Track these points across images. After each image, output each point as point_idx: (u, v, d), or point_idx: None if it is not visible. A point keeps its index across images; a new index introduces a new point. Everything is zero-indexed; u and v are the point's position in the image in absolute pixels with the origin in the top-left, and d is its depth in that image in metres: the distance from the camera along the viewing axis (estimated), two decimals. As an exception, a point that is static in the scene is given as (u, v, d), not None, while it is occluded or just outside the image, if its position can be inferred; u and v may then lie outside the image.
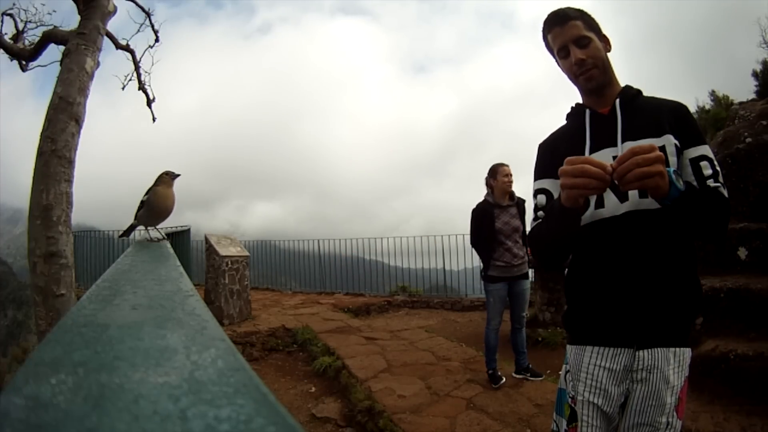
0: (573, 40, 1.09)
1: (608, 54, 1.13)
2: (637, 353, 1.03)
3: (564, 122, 1.24)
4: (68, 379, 0.23)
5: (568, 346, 1.16)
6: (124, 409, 0.20)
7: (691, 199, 0.91)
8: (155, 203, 1.34)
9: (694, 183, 1.02)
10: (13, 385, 0.22)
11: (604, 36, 1.13)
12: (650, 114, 1.08)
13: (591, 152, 1.09)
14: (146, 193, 1.39)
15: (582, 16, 1.11)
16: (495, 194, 3.42)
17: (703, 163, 1.03)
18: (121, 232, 1.59)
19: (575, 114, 1.18)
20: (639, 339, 1.03)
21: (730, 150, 3.18)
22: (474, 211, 3.50)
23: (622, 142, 1.06)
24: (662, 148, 1.02)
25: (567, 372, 1.14)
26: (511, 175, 3.37)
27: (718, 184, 1.02)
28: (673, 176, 0.86)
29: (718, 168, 1.04)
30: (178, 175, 1.38)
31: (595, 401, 1.05)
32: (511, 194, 3.44)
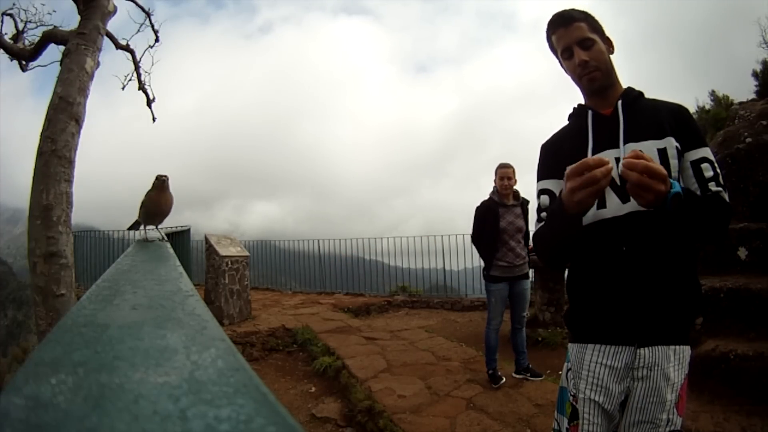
0: (577, 42, 1.10)
1: (611, 56, 1.14)
2: (638, 351, 1.04)
3: (566, 122, 1.24)
4: (68, 379, 0.23)
5: (570, 345, 1.17)
6: (124, 409, 0.20)
7: (688, 209, 0.93)
8: (148, 206, 1.43)
9: (696, 185, 1.05)
10: (13, 385, 0.22)
11: (608, 38, 1.14)
12: (652, 116, 1.10)
13: (593, 153, 1.10)
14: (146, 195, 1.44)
15: (586, 18, 1.12)
16: (499, 193, 3.42)
17: (704, 165, 1.05)
18: (127, 227, 1.65)
19: (577, 115, 1.19)
20: (640, 337, 1.04)
21: (730, 150, 3.18)
22: (478, 209, 3.49)
23: (624, 143, 1.07)
24: (663, 150, 1.04)
25: (568, 370, 1.15)
26: (509, 178, 3.35)
27: (720, 189, 1.04)
28: (671, 205, 0.89)
29: (718, 170, 1.06)
30: (165, 178, 1.40)
31: (597, 399, 1.06)
32: (516, 194, 3.44)
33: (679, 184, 0.92)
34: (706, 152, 1.07)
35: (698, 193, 1.04)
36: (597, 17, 1.15)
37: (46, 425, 0.19)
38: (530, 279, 3.65)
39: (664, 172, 0.87)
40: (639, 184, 0.86)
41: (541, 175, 1.21)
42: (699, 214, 0.97)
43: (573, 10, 1.13)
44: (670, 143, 1.05)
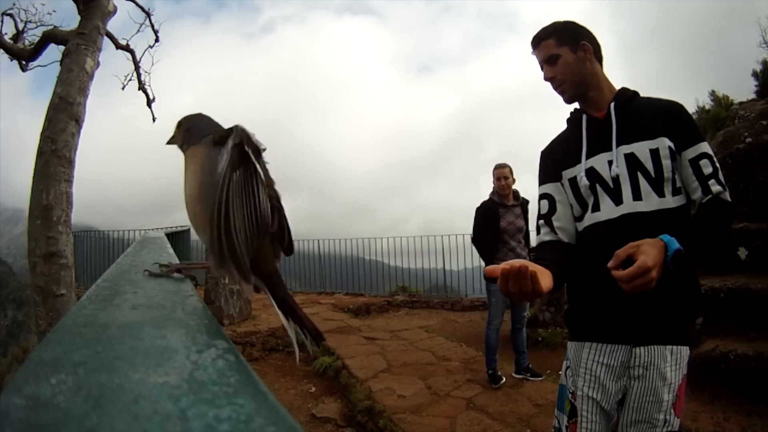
0: (544, 60, 1.17)
1: (590, 61, 1.15)
2: (633, 350, 1.05)
3: (565, 126, 1.28)
4: (68, 379, 0.23)
5: (569, 343, 1.20)
6: (124, 409, 0.20)
7: (694, 251, 0.96)
8: None
9: (696, 183, 1.04)
10: (13, 385, 0.22)
11: (583, 45, 1.14)
12: (645, 116, 1.10)
13: (587, 157, 1.13)
14: None
15: (554, 32, 1.16)
16: (498, 193, 3.42)
17: (703, 162, 1.04)
18: None
19: (573, 119, 1.22)
20: (636, 336, 1.05)
21: (730, 150, 3.18)
22: (478, 209, 3.49)
23: (617, 146, 1.09)
24: (656, 151, 1.05)
25: (567, 368, 1.17)
26: (506, 177, 3.36)
27: (720, 188, 1.03)
28: (671, 263, 0.90)
29: (717, 164, 1.05)
30: None
31: (594, 396, 1.07)
32: (516, 194, 3.44)
33: (671, 237, 0.92)
34: (703, 147, 1.06)
35: (700, 192, 1.04)
36: (581, 23, 1.18)
37: (46, 425, 0.19)
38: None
39: (647, 264, 0.86)
40: (633, 290, 0.87)
41: (541, 180, 1.25)
42: (705, 246, 1.01)
43: (544, 28, 1.19)
44: (663, 143, 1.05)
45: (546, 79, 1.18)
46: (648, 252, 0.87)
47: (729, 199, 1.04)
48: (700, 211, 1.05)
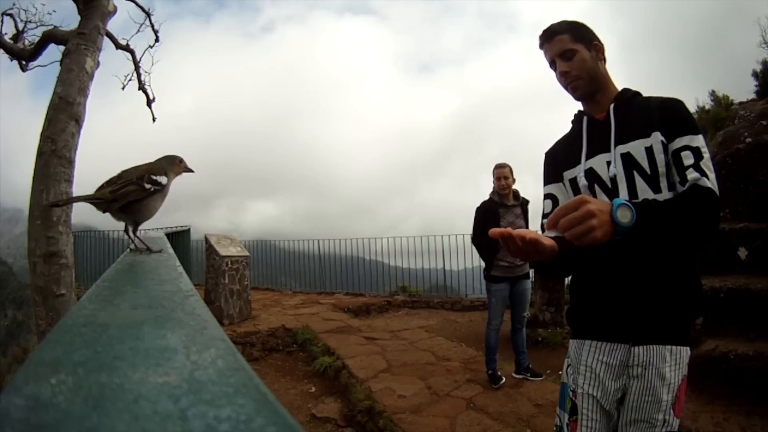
0: (558, 54, 1.15)
1: (601, 61, 1.16)
2: (632, 349, 1.05)
3: (570, 127, 1.28)
4: (68, 379, 0.23)
5: (570, 341, 1.20)
6: (124, 409, 0.20)
7: (650, 225, 0.90)
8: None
9: (676, 177, 1.02)
10: (13, 385, 0.22)
11: (596, 44, 1.15)
12: (642, 115, 1.10)
13: (587, 158, 1.14)
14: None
15: (570, 29, 1.15)
16: (498, 193, 3.41)
17: (684, 153, 1.01)
18: None
19: (576, 121, 1.23)
20: (635, 335, 1.05)
21: (730, 150, 3.18)
22: (478, 209, 3.49)
23: (615, 146, 1.10)
24: (650, 148, 1.05)
25: (568, 366, 1.18)
26: (506, 177, 3.35)
27: (697, 175, 0.98)
28: (617, 215, 0.85)
29: (705, 155, 1.00)
30: None
31: (594, 394, 1.08)
32: (516, 194, 3.44)
33: (623, 199, 0.90)
34: (688, 140, 1.02)
35: (679, 183, 1.01)
36: (588, 24, 1.17)
37: (46, 425, 0.19)
38: (530, 279, 3.65)
39: (583, 197, 0.85)
40: (569, 227, 0.84)
41: (545, 181, 1.27)
42: (675, 227, 0.93)
43: (557, 23, 1.17)
44: (656, 139, 1.05)
45: (561, 73, 1.15)
46: (589, 196, 0.88)
47: (709, 186, 0.97)
48: (676, 197, 1.02)
